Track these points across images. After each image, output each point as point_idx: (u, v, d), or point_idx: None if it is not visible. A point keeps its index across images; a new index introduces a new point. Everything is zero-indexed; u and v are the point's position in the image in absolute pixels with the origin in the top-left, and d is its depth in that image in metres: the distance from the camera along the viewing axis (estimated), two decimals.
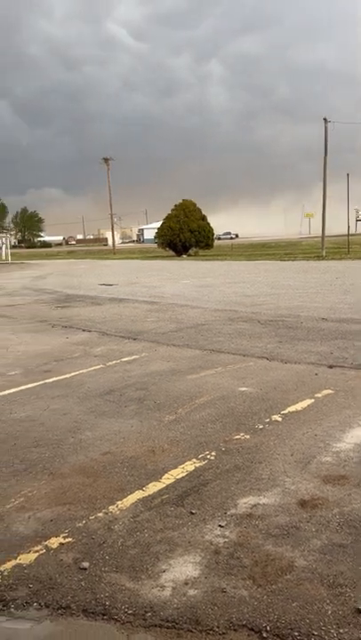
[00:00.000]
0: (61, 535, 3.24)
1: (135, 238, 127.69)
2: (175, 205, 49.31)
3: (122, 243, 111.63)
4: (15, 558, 3.03)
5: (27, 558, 3.02)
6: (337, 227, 51.89)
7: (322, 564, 2.85)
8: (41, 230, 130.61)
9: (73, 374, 7.13)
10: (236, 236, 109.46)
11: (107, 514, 3.46)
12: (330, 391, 5.87)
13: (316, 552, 2.96)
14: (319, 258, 35.08)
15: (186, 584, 2.75)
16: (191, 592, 2.69)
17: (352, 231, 46.56)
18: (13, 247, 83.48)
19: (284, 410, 5.31)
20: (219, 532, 3.20)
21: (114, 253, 59.54)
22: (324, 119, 38.70)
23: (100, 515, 3.45)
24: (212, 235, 50.81)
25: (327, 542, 3.05)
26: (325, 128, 38.87)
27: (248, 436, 4.65)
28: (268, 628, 2.43)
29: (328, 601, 2.57)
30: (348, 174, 41.72)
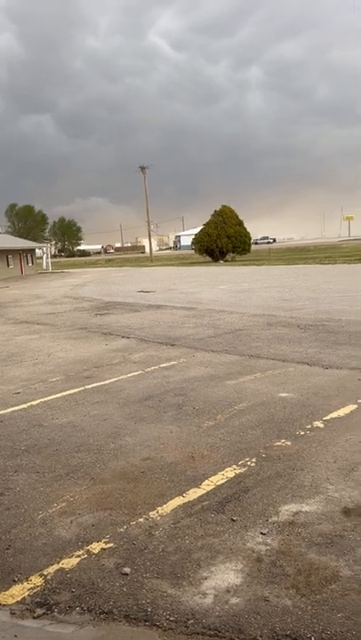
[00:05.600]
0: (103, 540, 3.26)
1: (172, 245, 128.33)
2: (214, 211, 49.39)
3: (159, 250, 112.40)
4: (58, 562, 3.07)
5: (69, 563, 3.06)
6: None
7: None
8: (80, 239, 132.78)
9: (112, 380, 7.21)
10: (274, 240, 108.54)
11: (147, 519, 3.47)
12: None
13: None
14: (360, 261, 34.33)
15: (228, 592, 2.71)
16: (233, 600, 2.65)
17: None
18: (53, 256, 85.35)
19: (326, 416, 5.20)
20: (261, 540, 3.15)
21: (151, 260, 60.02)
22: None
23: (141, 520, 3.46)
24: (249, 240, 50.61)
25: None
26: None
27: (289, 443, 4.58)
28: None
29: None
30: None
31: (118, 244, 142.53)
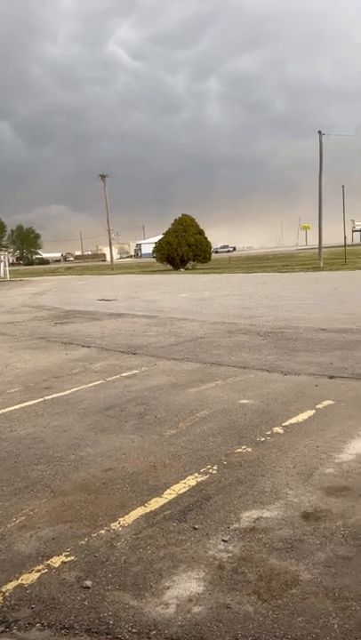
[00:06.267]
0: (63, 554, 3.21)
1: (133, 253, 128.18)
2: (174, 220, 49.77)
3: (120, 258, 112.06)
4: (17, 578, 2.99)
5: (29, 578, 2.99)
6: (334, 238, 52.20)
7: (327, 577, 2.83)
8: (39, 247, 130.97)
9: (73, 390, 7.12)
10: (234, 249, 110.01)
11: (109, 531, 3.43)
12: (331, 402, 5.86)
13: (320, 565, 2.93)
14: (317, 269, 35.22)
15: (190, 601, 2.72)
16: (196, 609, 2.65)
17: (348, 242, 46.87)
18: (12, 265, 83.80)
19: (285, 422, 5.29)
20: (222, 547, 3.17)
21: (112, 269, 59.72)
22: (319, 132, 39.24)
23: (103, 532, 3.42)
24: (210, 248, 51.28)
25: (332, 555, 3.02)
26: (320, 141, 39.39)
27: (250, 449, 4.63)
28: None
29: (334, 615, 2.54)
30: (343, 186, 42.07)
31: (78, 252, 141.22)
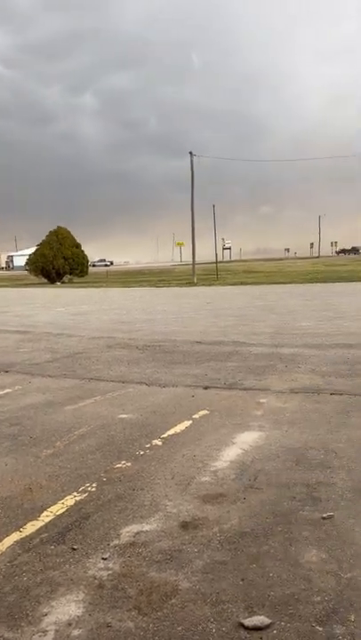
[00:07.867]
0: None
1: (4, 266, 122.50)
2: (49, 232, 48.54)
3: None
4: None
5: None
6: (206, 254, 54.64)
7: (205, 583, 2.91)
8: None
9: None
10: (111, 263, 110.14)
11: None
12: (206, 412, 6.08)
13: (198, 573, 3.01)
14: (191, 284, 36.53)
15: (69, 625, 2.63)
16: (75, 632, 2.58)
17: (219, 259, 49.36)
18: None
19: (163, 434, 5.38)
20: (102, 565, 3.12)
21: None
22: (190, 153, 40.98)
23: None
24: (87, 262, 50.82)
25: (209, 561, 3.12)
26: (191, 161, 41.12)
27: (129, 464, 4.64)
28: None
29: (212, 619, 2.62)
30: (213, 205, 44.28)
31: None
